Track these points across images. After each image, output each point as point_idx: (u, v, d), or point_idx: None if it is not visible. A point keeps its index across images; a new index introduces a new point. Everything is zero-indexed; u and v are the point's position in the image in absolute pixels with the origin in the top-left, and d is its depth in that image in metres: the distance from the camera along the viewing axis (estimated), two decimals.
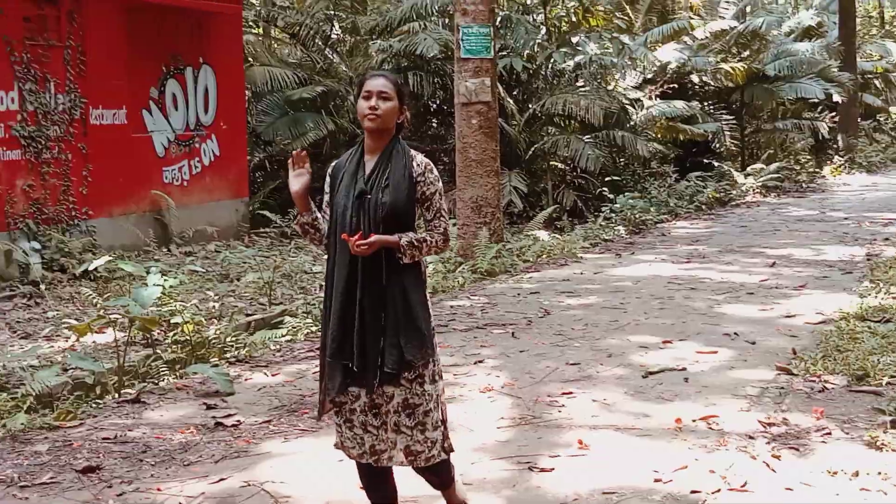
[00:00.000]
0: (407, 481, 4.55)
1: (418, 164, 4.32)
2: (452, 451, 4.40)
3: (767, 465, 5.36)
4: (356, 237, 4.11)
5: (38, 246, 11.84)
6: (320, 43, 19.66)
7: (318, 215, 4.40)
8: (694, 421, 6.13)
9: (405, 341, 4.21)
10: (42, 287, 11.10)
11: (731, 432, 5.91)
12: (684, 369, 7.38)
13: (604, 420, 6.23)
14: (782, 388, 6.87)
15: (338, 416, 4.34)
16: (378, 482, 4.44)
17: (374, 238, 4.14)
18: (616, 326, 8.95)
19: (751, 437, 5.82)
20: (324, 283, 4.45)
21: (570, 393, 6.84)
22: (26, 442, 6.00)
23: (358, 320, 4.20)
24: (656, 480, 5.16)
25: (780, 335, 8.47)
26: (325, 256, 4.43)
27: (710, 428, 6.02)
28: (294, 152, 4.39)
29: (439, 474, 4.44)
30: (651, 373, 7.31)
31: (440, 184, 4.39)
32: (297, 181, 4.32)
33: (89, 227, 12.75)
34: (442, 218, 4.36)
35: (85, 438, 6.06)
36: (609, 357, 7.83)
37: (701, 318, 9.24)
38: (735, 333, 8.53)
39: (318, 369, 4.52)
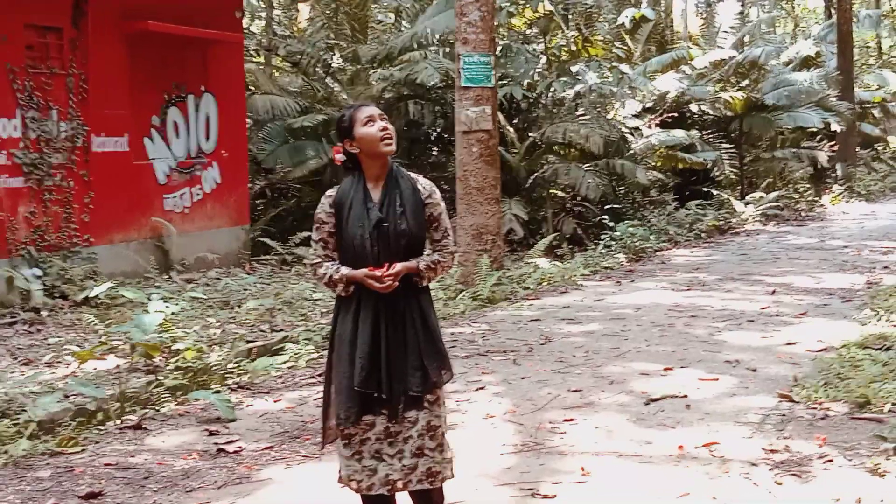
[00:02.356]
0: None
1: (423, 187, 4.37)
2: (454, 475, 4.42)
3: (770, 492, 5.36)
4: (383, 269, 4.12)
5: (39, 272, 11.86)
6: (321, 72, 19.75)
7: (346, 270, 4.29)
8: (696, 448, 6.13)
9: (428, 363, 4.25)
10: (43, 314, 11.11)
11: (734, 459, 5.91)
12: (686, 396, 7.37)
13: (606, 447, 6.22)
14: (784, 415, 6.87)
15: (346, 448, 4.30)
16: None
17: (398, 266, 4.18)
18: (617, 353, 8.95)
19: (753, 464, 5.81)
20: (335, 312, 4.41)
21: (572, 420, 6.84)
22: (28, 468, 6.00)
23: (384, 347, 4.21)
24: None
25: (782, 362, 8.46)
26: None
27: (713, 455, 6.02)
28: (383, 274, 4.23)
29: (436, 499, 4.44)
30: (653, 400, 7.30)
31: (444, 203, 4.45)
32: (376, 285, 4.19)
33: (90, 253, 12.76)
34: (449, 237, 4.41)
35: (87, 465, 6.05)
36: (611, 384, 7.83)
37: (702, 345, 9.25)
38: (736, 361, 8.52)
39: (319, 396, 4.51)
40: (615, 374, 8.13)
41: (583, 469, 5.78)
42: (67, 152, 12.58)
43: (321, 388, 4.45)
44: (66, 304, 11.62)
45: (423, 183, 4.39)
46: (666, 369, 8.27)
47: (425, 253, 4.36)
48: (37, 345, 9.93)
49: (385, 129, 4.28)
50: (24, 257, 11.84)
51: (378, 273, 4.14)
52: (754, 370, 8.20)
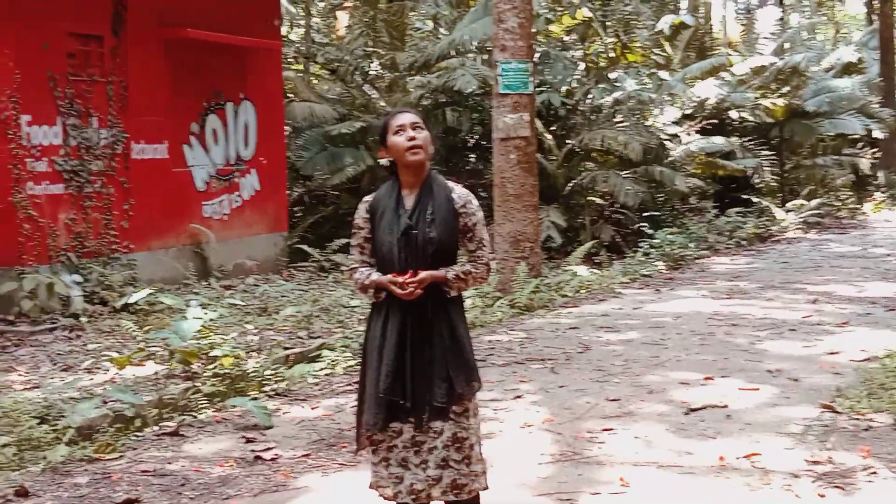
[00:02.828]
0: None
1: (459, 196, 4.29)
2: (488, 487, 4.35)
3: None
4: (407, 276, 4.08)
5: (79, 279, 11.94)
6: (359, 79, 19.77)
7: (376, 276, 4.28)
8: (737, 459, 6.03)
9: (455, 374, 4.19)
10: (83, 320, 11.16)
11: (775, 470, 5.81)
12: (726, 406, 7.26)
13: (645, 457, 6.14)
14: (826, 425, 6.75)
15: (375, 454, 4.29)
16: None
17: (424, 275, 4.13)
18: (656, 362, 8.86)
19: (795, 476, 5.71)
20: (368, 318, 4.40)
21: (611, 429, 6.76)
22: (66, 474, 6.00)
23: (410, 356, 4.18)
24: None
25: (824, 372, 8.34)
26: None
27: (754, 466, 5.92)
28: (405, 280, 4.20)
29: None
30: (693, 409, 7.20)
31: (481, 213, 4.37)
32: (399, 292, 4.16)
33: (130, 260, 12.82)
34: (484, 248, 4.33)
35: (124, 471, 6.05)
36: (650, 393, 7.74)
37: (743, 354, 9.13)
38: (778, 370, 8.40)
39: (355, 403, 4.48)
40: (654, 384, 8.04)
41: (622, 480, 5.71)
42: (107, 159, 12.66)
43: (358, 389, 4.40)
44: (106, 310, 11.68)
45: (459, 192, 4.33)
46: (706, 378, 8.16)
47: (459, 263, 4.31)
48: (76, 350, 9.98)
49: (413, 139, 4.22)
50: (64, 263, 11.91)
51: (400, 280, 4.10)
52: (796, 380, 8.08)
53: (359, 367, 4.47)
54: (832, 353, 9.06)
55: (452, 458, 4.20)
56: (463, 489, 4.22)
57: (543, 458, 6.18)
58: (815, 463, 5.93)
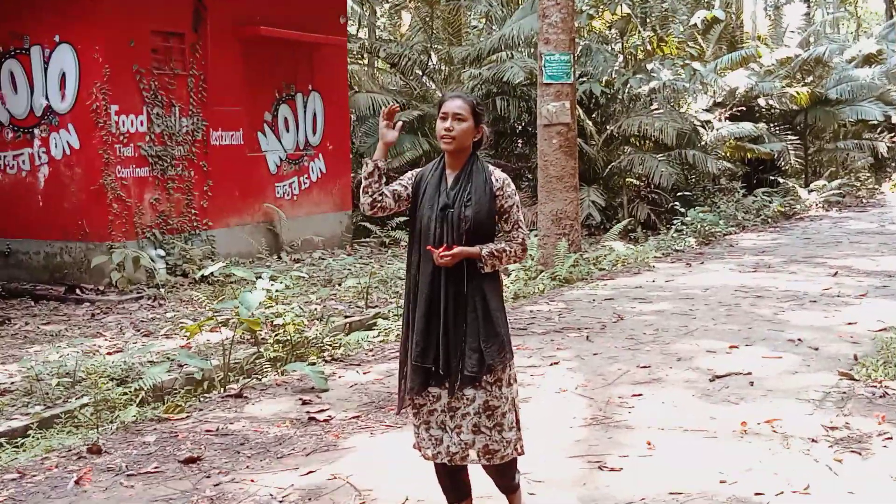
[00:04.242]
0: (482, 479, 4.27)
1: (497, 179, 4.07)
2: (523, 453, 4.13)
3: (830, 469, 4.98)
4: (441, 249, 3.89)
5: (163, 253, 11.87)
6: (418, 72, 19.50)
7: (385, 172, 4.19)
8: (758, 424, 5.74)
9: (486, 346, 3.96)
10: (165, 290, 11.09)
11: (795, 435, 5.52)
12: (750, 373, 6.96)
13: (671, 422, 5.87)
14: (844, 392, 6.44)
15: (416, 417, 4.11)
16: (454, 480, 4.20)
17: (457, 249, 3.93)
18: (685, 332, 8.55)
19: (814, 441, 5.43)
20: (405, 288, 4.21)
21: (640, 395, 6.49)
22: (137, 433, 5.88)
23: (442, 326, 3.97)
24: (721, 482, 4.82)
25: (843, 341, 7.99)
26: (406, 264, 4.19)
27: (774, 431, 5.63)
28: (391, 105, 4.18)
29: (506, 476, 4.16)
30: (718, 377, 6.91)
31: (517, 197, 4.13)
32: (389, 133, 4.13)
33: (209, 236, 12.73)
34: (520, 229, 4.09)
35: (190, 430, 5.91)
36: (678, 361, 7.45)
37: (766, 324, 8.78)
38: (799, 339, 8.07)
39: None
40: (683, 352, 7.75)
41: (649, 443, 5.45)
42: (188, 145, 12.54)
43: (399, 352, 4.20)
44: (186, 282, 11.61)
45: (498, 175, 4.10)
46: (731, 347, 7.85)
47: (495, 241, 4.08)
48: (158, 318, 9.90)
49: (448, 129, 4.00)
50: (149, 239, 11.85)
51: (437, 252, 3.88)
52: (816, 349, 7.75)
53: (400, 336, 4.27)
54: (850, 324, 8.70)
55: (484, 425, 3.99)
56: (495, 454, 4.01)
57: (576, 421, 5.94)
58: (833, 428, 5.63)
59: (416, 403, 4.08)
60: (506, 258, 4.05)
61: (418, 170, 4.26)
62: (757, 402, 6.25)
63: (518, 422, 4.12)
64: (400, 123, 4.20)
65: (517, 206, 4.11)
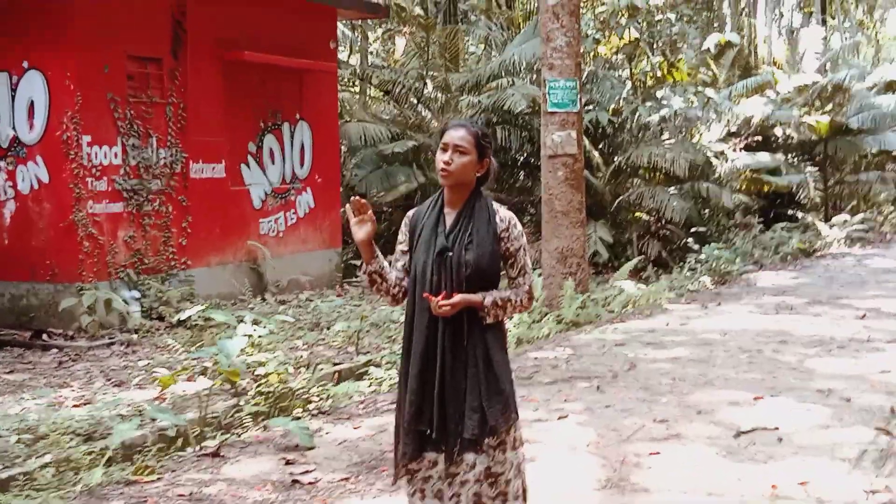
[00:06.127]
0: None
1: (502, 220, 3.84)
2: None
3: None
4: (439, 297, 3.65)
5: (137, 295, 11.61)
6: (413, 99, 19.37)
7: (385, 264, 3.94)
8: (790, 487, 5.49)
9: (488, 405, 3.72)
10: (139, 335, 10.84)
11: (832, 500, 5.28)
12: (777, 428, 6.72)
13: (694, 484, 5.62)
14: (883, 450, 6.20)
15: (410, 484, 3.86)
16: None
17: (457, 298, 3.69)
18: (704, 381, 8.30)
19: None
20: (402, 341, 3.97)
21: (658, 453, 6.24)
22: (102, 497, 5.62)
23: (438, 383, 3.74)
24: None
25: (876, 392, 7.76)
26: (404, 312, 3.95)
27: (809, 495, 5.38)
28: (352, 199, 3.90)
29: None
30: (743, 432, 6.67)
31: (524, 239, 3.90)
32: (360, 229, 3.87)
33: (188, 276, 12.49)
34: (526, 275, 3.87)
35: (161, 495, 5.64)
36: (698, 414, 7.20)
37: (792, 372, 8.55)
38: (829, 390, 7.83)
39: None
40: (702, 404, 7.50)
41: None
42: (166, 178, 12.34)
43: (395, 413, 3.95)
44: (163, 326, 11.35)
45: (503, 215, 3.87)
46: (755, 398, 7.61)
47: (499, 289, 3.84)
48: (130, 366, 9.62)
49: (447, 162, 3.78)
50: (123, 280, 11.60)
51: (434, 300, 3.65)
52: (848, 400, 7.51)
53: (397, 392, 4.03)
54: (884, 372, 8.48)
55: (486, 495, 3.75)
56: None
57: (588, 485, 5.68)
58: (874, 492, 5.39)
59: (410, 469, 3.84)
60: (511, 308, 3.82)
61: (413, 211, 4.03)
62: (787, 461, 6.01)
63: (525, 490, 3.88)
64: (373, 220, 3.90)
65: (524, 250, 3.89)
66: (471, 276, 3.75)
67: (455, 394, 3.74)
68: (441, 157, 3.81)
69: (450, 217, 3.87)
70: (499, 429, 3.73)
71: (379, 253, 3.93)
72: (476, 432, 3.71)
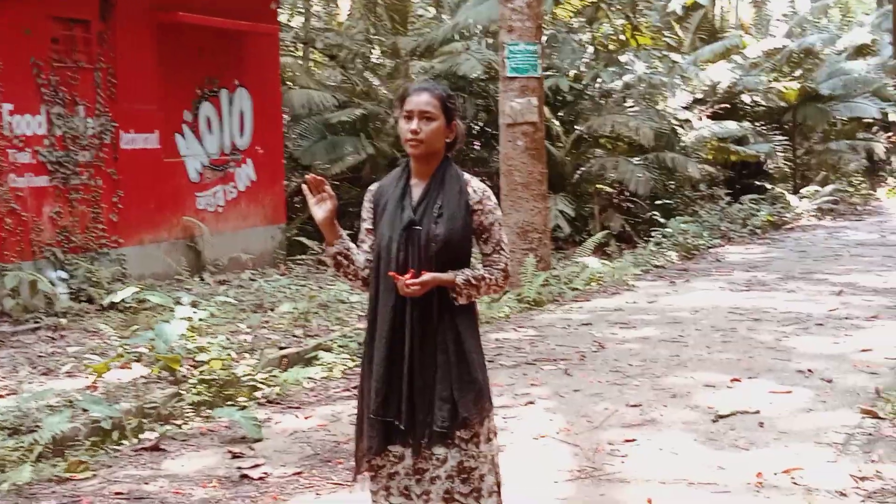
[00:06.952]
0: None
1: (475, 191, 3.69)
2: None
3: None
4: (407, 276, 3.49)
5: (64, 275, 11.35)
6: (360, 65, 19.15)
7: (351, 245, 3.78)
8: (776, 474, 5.44)
9: (459, 395, 3.58)
10: (67, 319, 10.58)
11: (820, 488, 5.23)
12: (758, 412, 6.68)
13: (673, 473, 5.54)
14: (870, 434, 6.18)
15: (374, 481, 3.72)
16: None
17: (426, 276, 3.53)
18: (677, 362, 8.26)
19: (843, 494, 5.15)
20: (366, 324, 3.81)
21: (633, 440, 6.17)
22: (31, 497, 5.42)
23: (406, 371, 3.59)
24: None
25: (859, 372, 7.76)
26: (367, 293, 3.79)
27: (795, 483, 5.33)
28: (308, 177, 3.71)
29: None
30: (721, 416, 6.62)
31: (499, 212, 3.75)
32: (320, 209, 3.68)
33: (119, 255, 12.22)
34: (502, 252, 3.72)
35: (96, 493, 5.46)
36: (673, 398, 7.15)
37: (769, 352, 8.53)
38: (809, 370, 7.82)
39: (354, 412, 3.87)
40: (677, 387, 7.44)
41: (649, 501, 5.12)
42: (95, 150, 12.03)
43: (357, 402, 3.80)
44: (92, 309, 11.10)
45: (476, 186, 3.72)
46: (732, 380, 7.57)
47: (472, 267, 3.70)
48: (59, 352, 9.37)
49: (415, 131, 3.62)
50: (48, 259, 11.31)
51: (401, 279, 3.49)
52: (830, 381, 7.50)
53: (359, 371, 3.86)
54: (865, 351, 8.49)
55: (458, 491, 3.61)
56: None
57: (561, 475, 5.59)
58: (863, 479, 5.35)
59: (374, 465, 3.69)
60: (485, 287, 3.68)
61: (376, 185, 3.87)
62: (770, 448, 5.96)
63: (499, 485, 3.75)
64: (332, 196, 3.69)
65: (499, 224, 3.74)
66: (441, 252, 3.60)
67: (424, 382, 3.60)
68: (407, 127, 3.65)
69: (417, 189, 3.71)
70: (471, 420, 3.60)
71: (343, 232, 3.76)
72: (446, 424, 3.57)
